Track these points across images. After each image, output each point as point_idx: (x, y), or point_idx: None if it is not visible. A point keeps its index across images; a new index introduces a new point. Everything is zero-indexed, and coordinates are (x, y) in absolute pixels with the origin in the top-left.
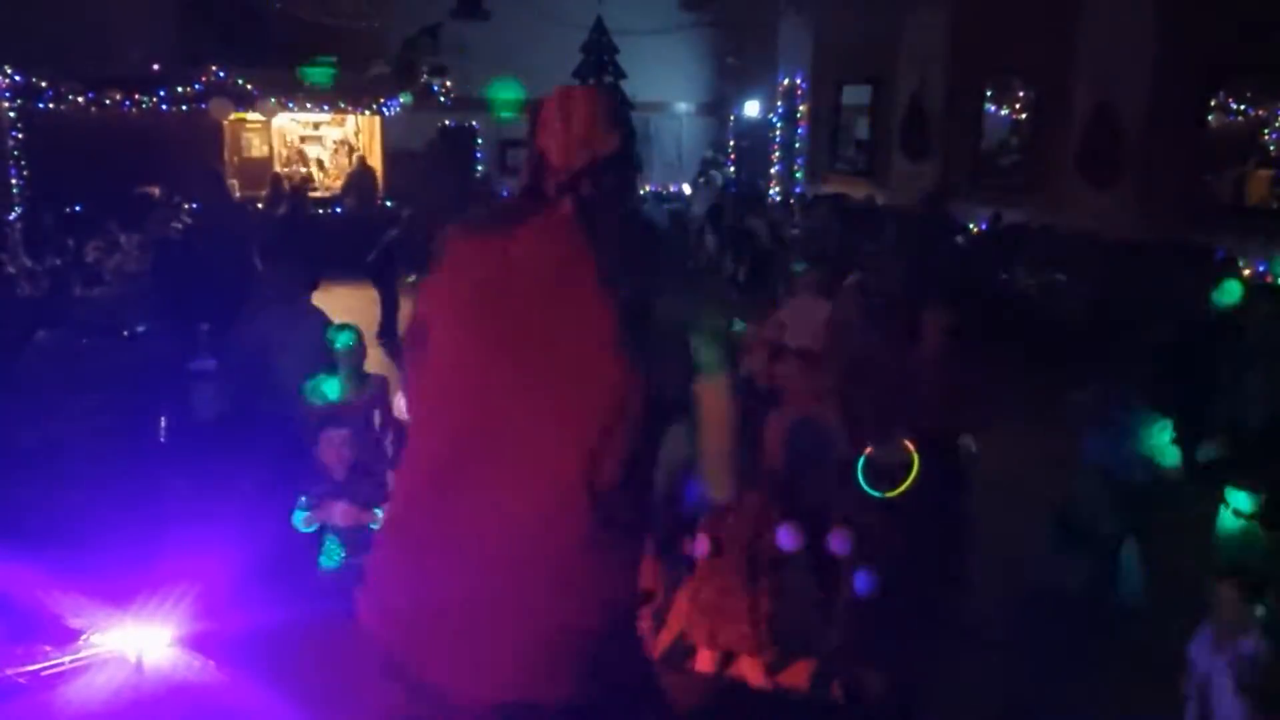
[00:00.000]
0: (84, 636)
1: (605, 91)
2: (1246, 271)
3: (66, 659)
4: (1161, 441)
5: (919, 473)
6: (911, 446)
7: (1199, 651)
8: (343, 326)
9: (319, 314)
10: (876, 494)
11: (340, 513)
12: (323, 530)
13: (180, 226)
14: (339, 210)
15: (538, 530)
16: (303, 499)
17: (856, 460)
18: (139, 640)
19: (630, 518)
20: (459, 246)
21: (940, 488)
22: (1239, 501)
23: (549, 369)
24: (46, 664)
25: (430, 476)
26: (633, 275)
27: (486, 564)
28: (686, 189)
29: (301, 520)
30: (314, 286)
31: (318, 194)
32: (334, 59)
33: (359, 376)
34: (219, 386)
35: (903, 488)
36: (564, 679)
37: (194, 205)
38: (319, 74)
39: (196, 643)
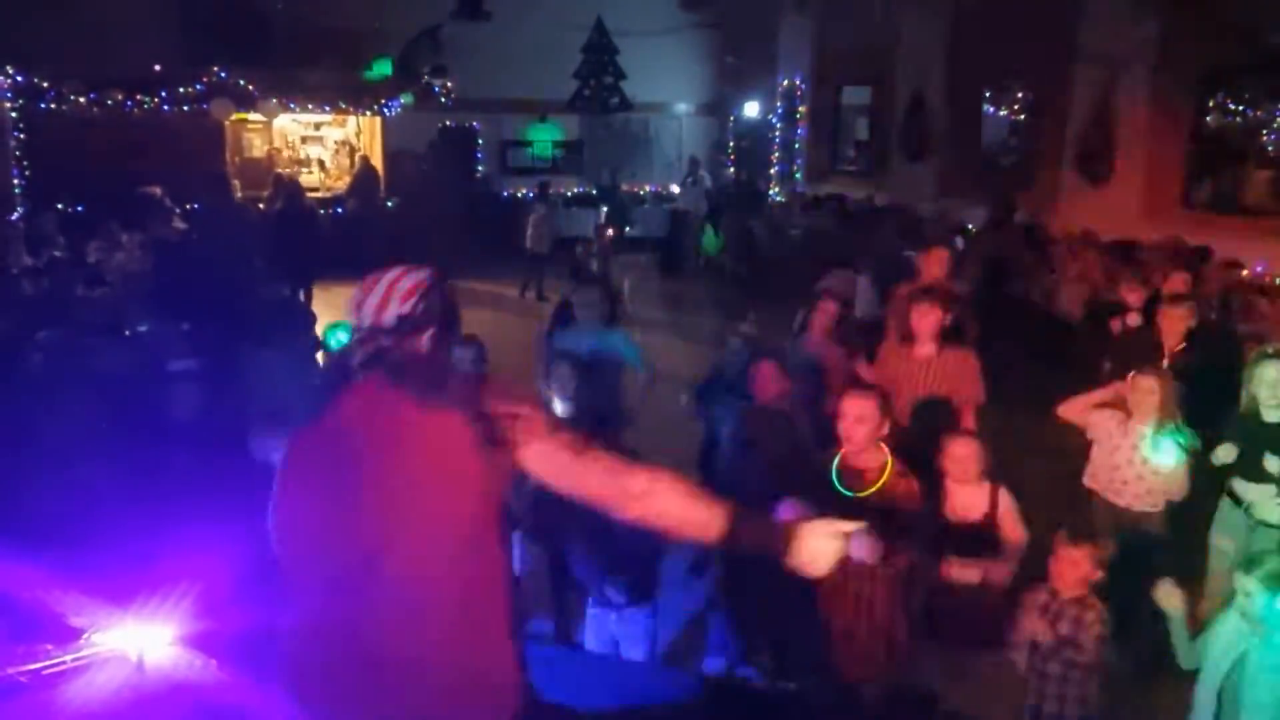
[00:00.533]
0: (85, 635)
1: (415, 273)
2: (1245, 272)
3: (67, 658)
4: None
5: (891, 474)
6: (886, 448)
7: (1219, 644)
8: (337, 324)
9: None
10: (849, 494)
11: None
12: None
13: (182, 226)
14: (340, 210)
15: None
16: None
17: (830, 460)
18: (140, 639)
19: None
20: (300, 444)
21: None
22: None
23: (416, 494)
24: (47, 663)
25: (327, 609)
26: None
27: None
28: (675, 189)
29: None
30: (304, 284)
31: (318, 194)
32: (391, 57)
33: None
34: (200, 386)
35: (875, 488)
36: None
37: (195, 206)
38: (380, 68)
39: (198, 642)
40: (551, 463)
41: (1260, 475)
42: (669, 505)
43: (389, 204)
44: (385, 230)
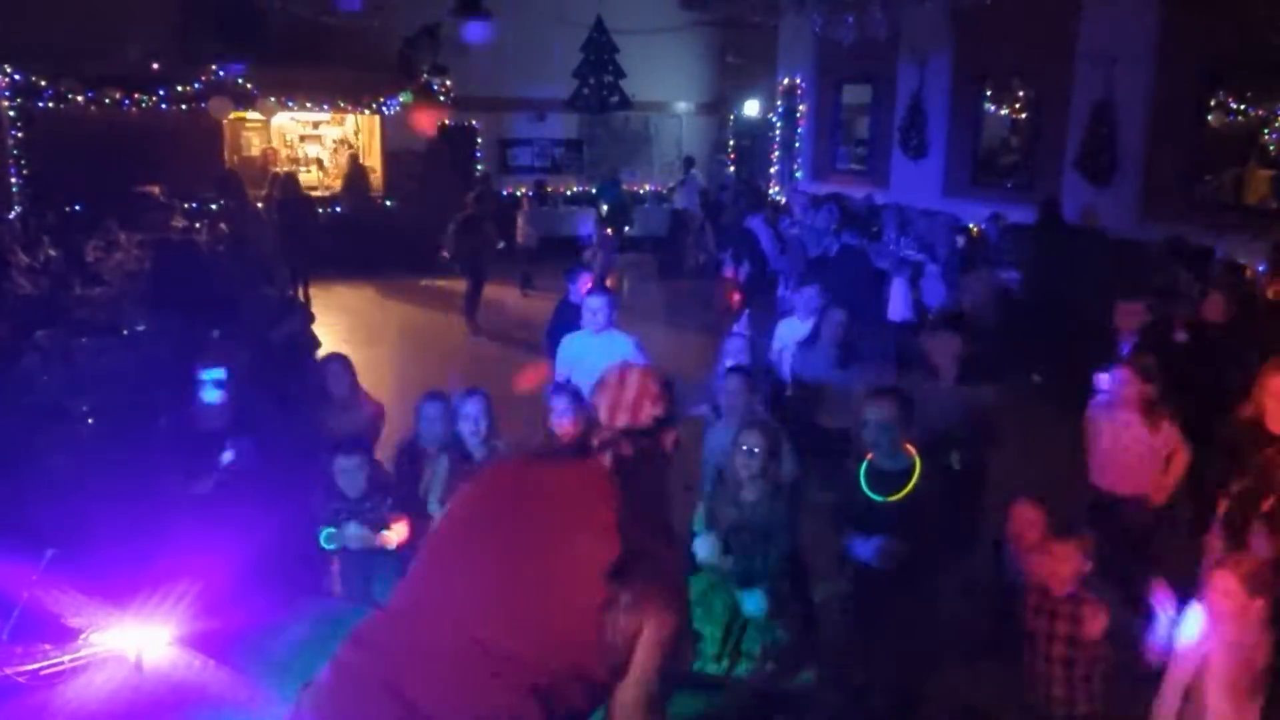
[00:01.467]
0: (83, 635)
1: (656, 372)
2: (1246, 272)
3: (65, 658)
4: None
5: (920, 478)
6: (914, 451)
7: (1189, 639)
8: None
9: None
10: (878, 498)
11: (350, 536)
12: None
13: (180, 226)
14: (337, 209)
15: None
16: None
17: (859, 465)
18: (138, 639)
19: None
20: (500, 467)
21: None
22: None
23: (538, 584)
24: (45, 663)
25: (399, 633)
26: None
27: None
28: (672, 187)
29: (325, 538)
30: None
31: (317, 192)
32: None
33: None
34: (231, 395)
35: (904, 492)
36: None
37: (195, 206)
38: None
39: (196, 642)
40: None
41: None
42: None
43: (387, 202)
44: (380, 229)
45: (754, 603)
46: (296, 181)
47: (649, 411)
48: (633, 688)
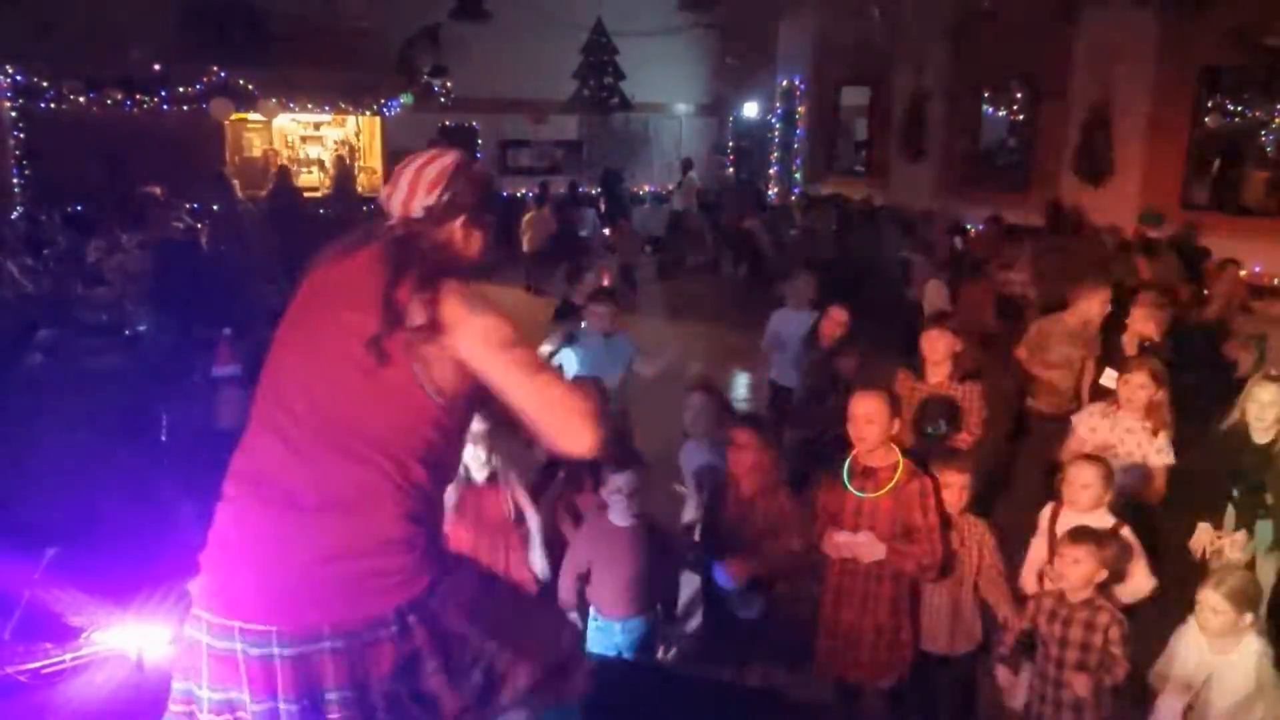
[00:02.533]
0: (84, 634)
1: (440, 160)
2: (1243, 273)
3: (67, 657)
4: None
5: (903, 475)
6: (897, 449)
7: (1182, 661)
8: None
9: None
10: (860, 494)
11: None
12: None
13: (182, 226)
14: (321, 210)
15: (319, 478)
16: None
17: (843, 461)
18: (139, 638)
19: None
20: (314, 265)
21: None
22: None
23: (339, 357)
24: (47, 662)
25: (246, 448)
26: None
27: (275, 504)
28: (670, 188)
29: None
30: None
31: (318, 193)
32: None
33: None
34: (242, 391)
35: (887, 489)
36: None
37: (196, 206)
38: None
39: None
40: (494, 367)
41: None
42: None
43: (363, 206)
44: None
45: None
46: (289, 174)
47: (421, 201)
48: (516, 392)
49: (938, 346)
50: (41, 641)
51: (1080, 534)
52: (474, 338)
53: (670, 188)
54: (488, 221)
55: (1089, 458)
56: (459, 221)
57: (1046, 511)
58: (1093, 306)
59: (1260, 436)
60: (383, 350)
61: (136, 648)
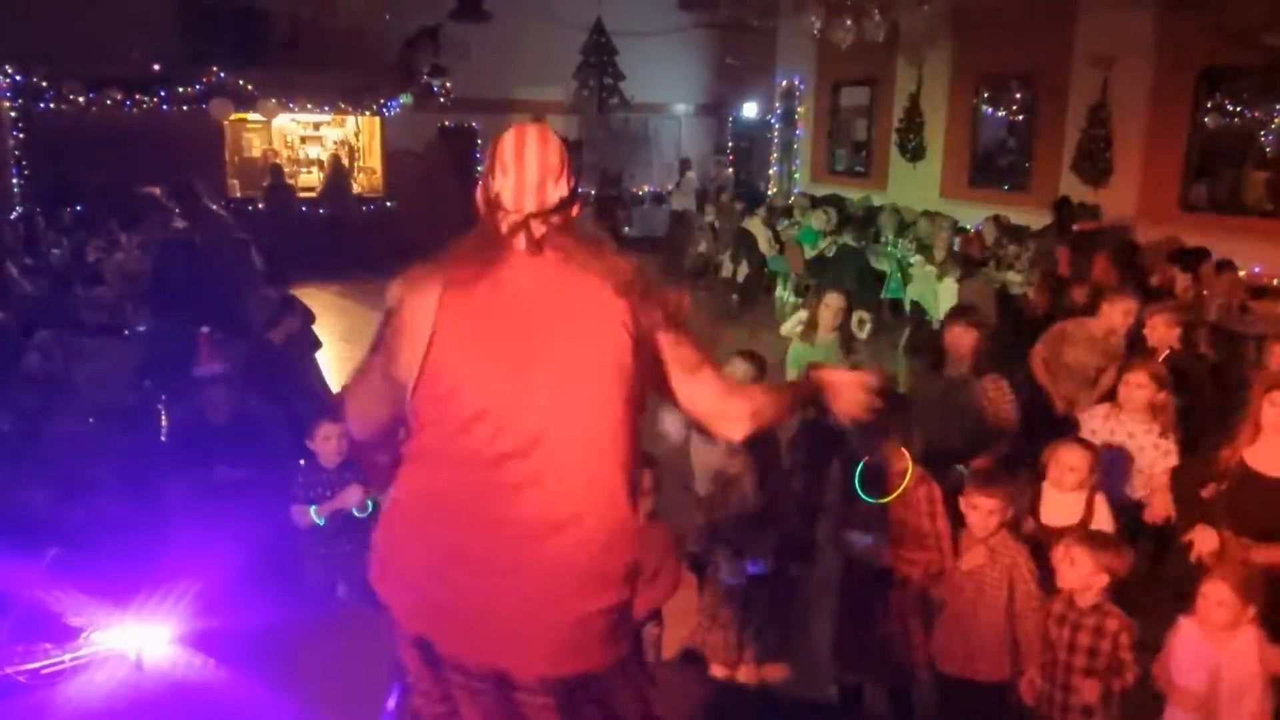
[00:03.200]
0: (84, 634)
1: (555, 134)
2: (1242, 273)
3: (66, 657)
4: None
5: (913, 479)
6: (907, 454)
7: (1184, 653)
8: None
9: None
10: (869, 499)
11: (355, 498)
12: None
13: (180, 226)
14: (320, 211)
15: (576, 527)
16: (300, 493)
17: (854, 466)
18: (139, 638)
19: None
20: (455, 278)
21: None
22: None
23: (579, 384)
24: (46, 662)
25: (458, 469)
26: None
27: (522, 555)
28: (669, 188)
29: (314, 513)
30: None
31: (313, 194)
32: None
33: None
34: (228, 390)
35: (896, 494)
36: (586, 655)
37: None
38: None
39: (196, 641)
40: (675, 361)
41: None
42: (763, 410)
43: (388, 203)
44: (374, 230)
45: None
46: (283, 173)
47: (554, 192)
48: (695, 375)
49: (963, 341)
50: (41, 642)
51: (1081, 535)
52: (663, 333)
53: (669, 188)
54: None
55: (1079, 441)
56: (578, 205)
57: (1029, 491)
58: (1115, 315)
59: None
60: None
61: (136, 648)
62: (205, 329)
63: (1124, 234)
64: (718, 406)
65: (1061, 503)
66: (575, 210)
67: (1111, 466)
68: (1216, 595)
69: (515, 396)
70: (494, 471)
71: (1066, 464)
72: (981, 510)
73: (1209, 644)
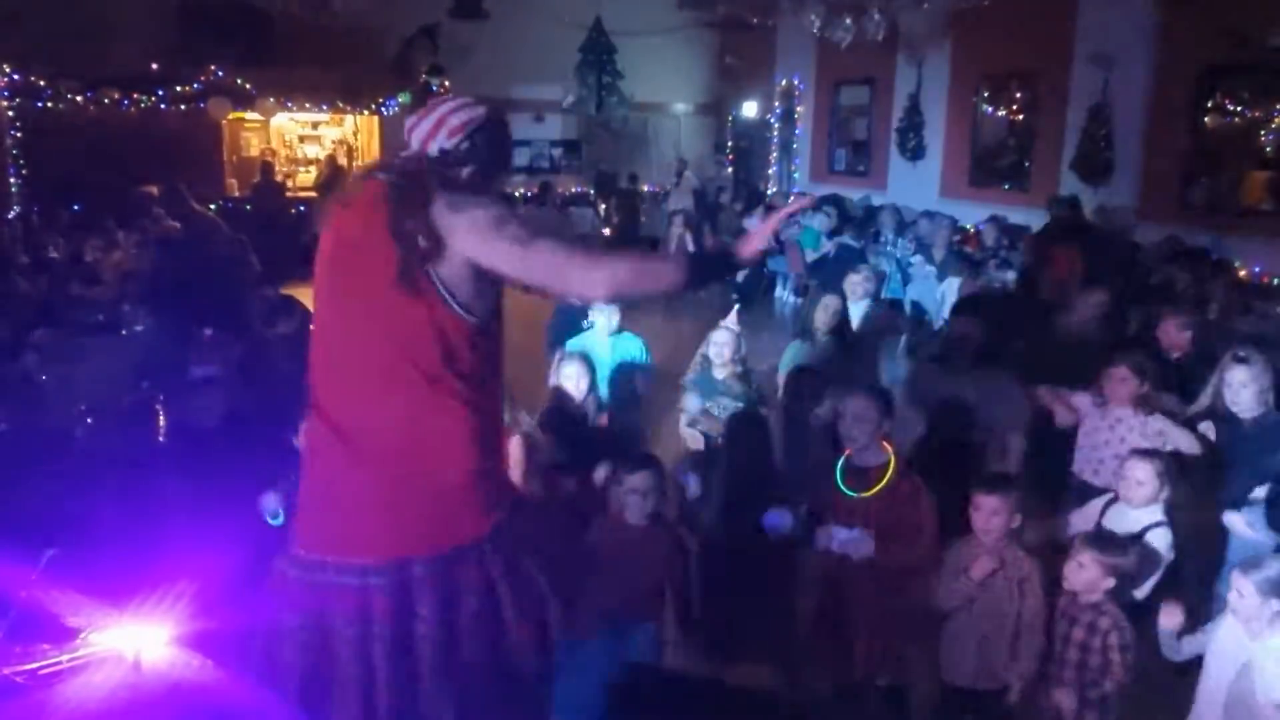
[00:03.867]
0: (81, 635)
1: (471, 109)
2: (1242, 272)
3: (64, 658)
4: None
5: (894, 474)
6: (889, 448)
7: (1221, 652)
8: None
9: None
10: (851, 494)
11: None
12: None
13: (175, 226)
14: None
15: (382, 415)
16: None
17: (835, 460)
18: (137, 639)
19: (462, 396)
20: (332, 212)
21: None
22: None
23: (372, 298)
24: (43, 662)
25: (314, 395)
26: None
27: (350, 449)
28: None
29: (271, 511)
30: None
31: (308, 194)
32: (410, 91)
33: None
34: (224, 392)
35: (877, 488)
36: (414, 539)
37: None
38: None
39: (195, 641)
40: (493, 253)
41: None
42: (626, 268)
43: None
44: None
45: (777, 518)
46: (272, 171)
47: (440, 142)
48: (519, 266)
49: (962, 334)
50: (38, 642)
51: (1088, 539)
52: (467, 233)
53: (667, 188)
54: (495, 182)
55: (1144, 452)
56: (468, 169)
57: (1099, 503)
58: (1087, 310)
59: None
60: (412, 282)
61: (134, 649)
62: (208, 330)
63: (1114, 230)
64: (563, 272)
65: (1135, 520)
66: (458, 169)
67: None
68: (1239, 586)
69: (333, 324)
70: (325, 386)
71: (1134, 478)
72: (984, 510)
73: (1245, 637)
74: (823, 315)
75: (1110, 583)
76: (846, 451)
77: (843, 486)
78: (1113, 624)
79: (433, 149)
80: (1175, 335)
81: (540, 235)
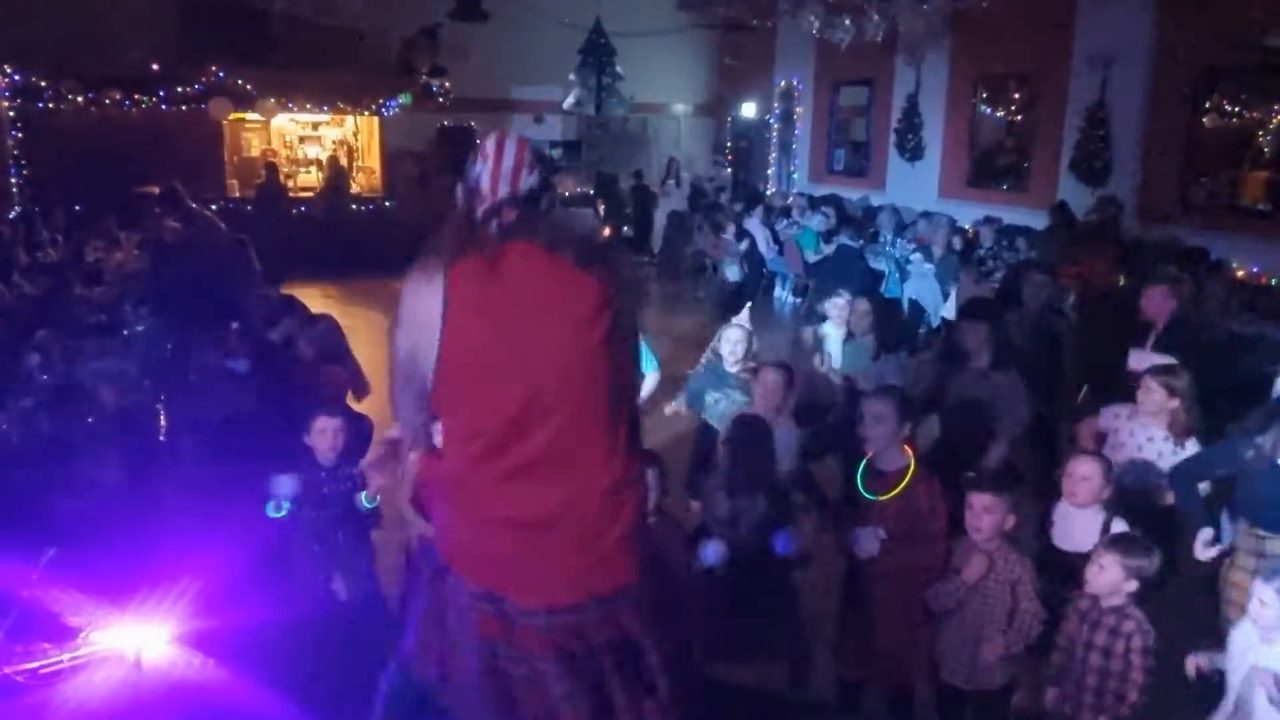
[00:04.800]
0: (82, 634)
1: (514, 139)
2: (1240, 273)
3: (65, 657)
4: None
5: (913, 477)
6: (910, 451)
7: (1236, 654)
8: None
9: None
10: (870, 496)
11: (375, 485)
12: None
13: (175, 226)
14: (303, 209)
15: (577, 493)
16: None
17: (858, 462)
18: (138, 638)
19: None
20: (456, 268)
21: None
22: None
23: (574, 367)
24: (45, 662)
25: (484, 449)
26: (619, 288)
27: (540, 517)
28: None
29: (273, 506)
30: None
31: (308, 194)
32: (411, 94)
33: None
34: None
35: (896, 491)
36: (599, 583)
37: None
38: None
39: (195, 640)
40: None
41: None
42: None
43: (386, 203)
44: (372, 230)
45: (784, 543)
46: (277, 172)
47: (525, 180)
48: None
49: (972, 335)
50: (39, 641)
51: (1110, 541)
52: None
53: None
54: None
55: (1089, 453)
56: (546, 198)
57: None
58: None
59: None
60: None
61: (135, 648)
62: (235, 324)
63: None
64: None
65: (1079, 520)
66: (544, 203)
67: (1131, 469)
68: (1260, 594)
69: (516, 374)
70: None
71: (1079, 474)
72: (975, 508)
73: (1258, 642)
74: (857, 319)
75: (1133, 585)
76: (868, 453)
77: (862, 489)
78: (1136, 627)
79: (523, 188)
80: (1160, 303)
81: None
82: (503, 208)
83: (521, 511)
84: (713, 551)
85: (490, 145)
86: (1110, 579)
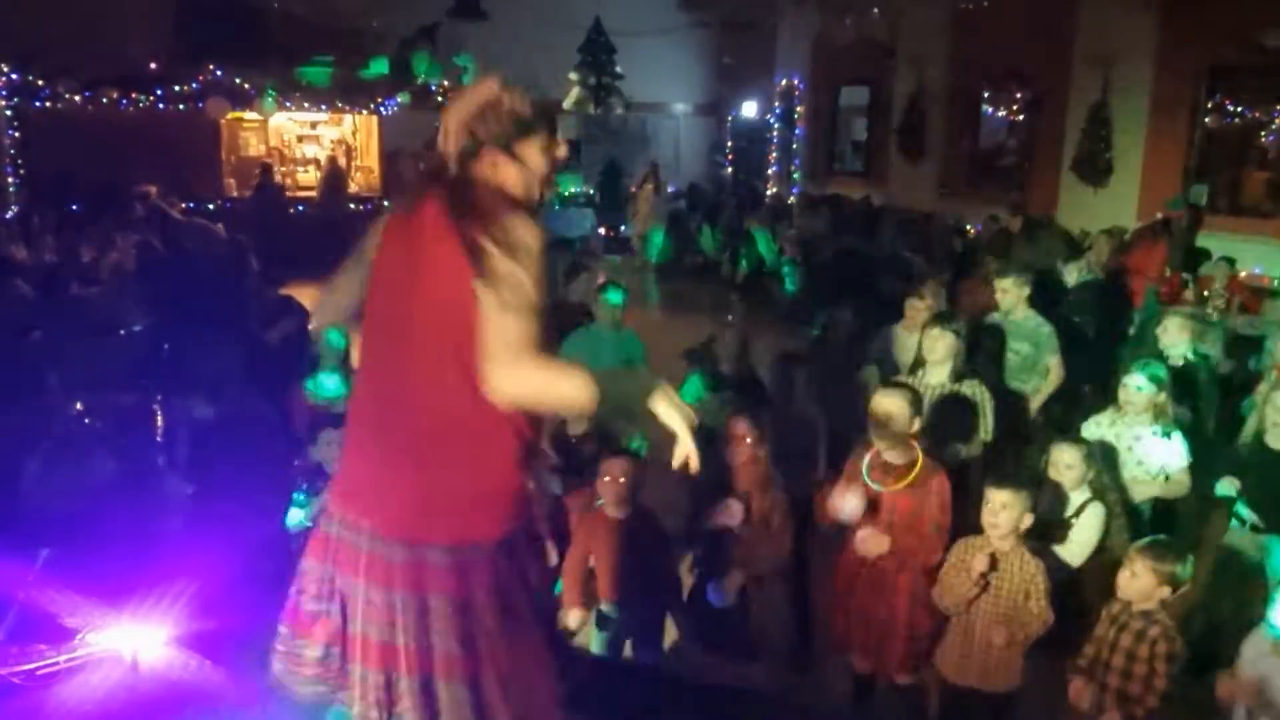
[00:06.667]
0: (79, 635)
1: (471, 95)
2: (1243, 273)
3: (62, 658)
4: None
5: (921, 470)
6: (916, 444)
7: (1250, 663)
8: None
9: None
10: (878, 487)
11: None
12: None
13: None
14: (301, 209)
15: (429, 421)
16: (301, 496)
17: (864, 456)
18: (134, 639)
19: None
20: (389, 222)
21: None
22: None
23: (429, 302)
24: (42, 663)
25: (361, 386)
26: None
27: (396, 444)
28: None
29: (307, 516)
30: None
31: (312, 193)
32: (331, 58)
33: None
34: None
35: (904, 483)
36: (438, 528)
37: (191, 205)
38: (316, 74)
39: (192, 642)
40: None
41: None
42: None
43: (385, 203)
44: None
45: (715, 593)
46: (272, 172)
47: (454, 148)
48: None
49: (938, 346)
50: (36, 643)
51: (1144, 549)
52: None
53: (633, 190)
54: (520, 145)
55: (1070, 439)
56: (486, 160)
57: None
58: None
59: (1276, 442)
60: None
61: (131, 649)
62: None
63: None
64: (500, 362)
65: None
66: (475, 165)
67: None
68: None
69: (388, 330)
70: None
71: (1062, 463)
72: (993, 504)
73: (1270, 652)
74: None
75: (1165, 592)
76: (873, 448)
77: (868, 479)
78: (1162, 633)
79: (453, 158)
80: (1175, 335)
81: (522, 338)
82: (446, 178)
83: (379, 442)
84: (715, 595)
85: (448, 108)
86: (1143, 585)
